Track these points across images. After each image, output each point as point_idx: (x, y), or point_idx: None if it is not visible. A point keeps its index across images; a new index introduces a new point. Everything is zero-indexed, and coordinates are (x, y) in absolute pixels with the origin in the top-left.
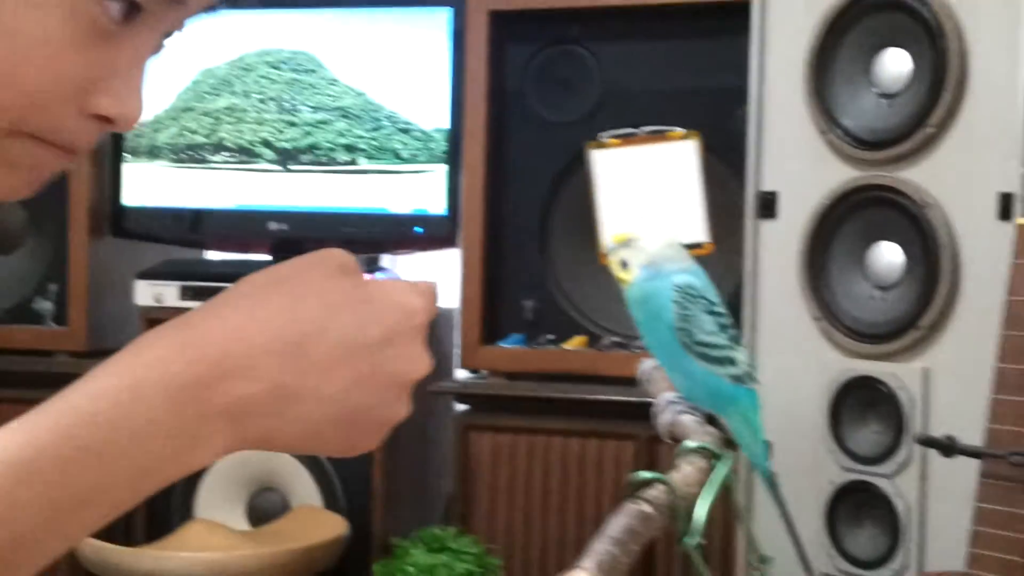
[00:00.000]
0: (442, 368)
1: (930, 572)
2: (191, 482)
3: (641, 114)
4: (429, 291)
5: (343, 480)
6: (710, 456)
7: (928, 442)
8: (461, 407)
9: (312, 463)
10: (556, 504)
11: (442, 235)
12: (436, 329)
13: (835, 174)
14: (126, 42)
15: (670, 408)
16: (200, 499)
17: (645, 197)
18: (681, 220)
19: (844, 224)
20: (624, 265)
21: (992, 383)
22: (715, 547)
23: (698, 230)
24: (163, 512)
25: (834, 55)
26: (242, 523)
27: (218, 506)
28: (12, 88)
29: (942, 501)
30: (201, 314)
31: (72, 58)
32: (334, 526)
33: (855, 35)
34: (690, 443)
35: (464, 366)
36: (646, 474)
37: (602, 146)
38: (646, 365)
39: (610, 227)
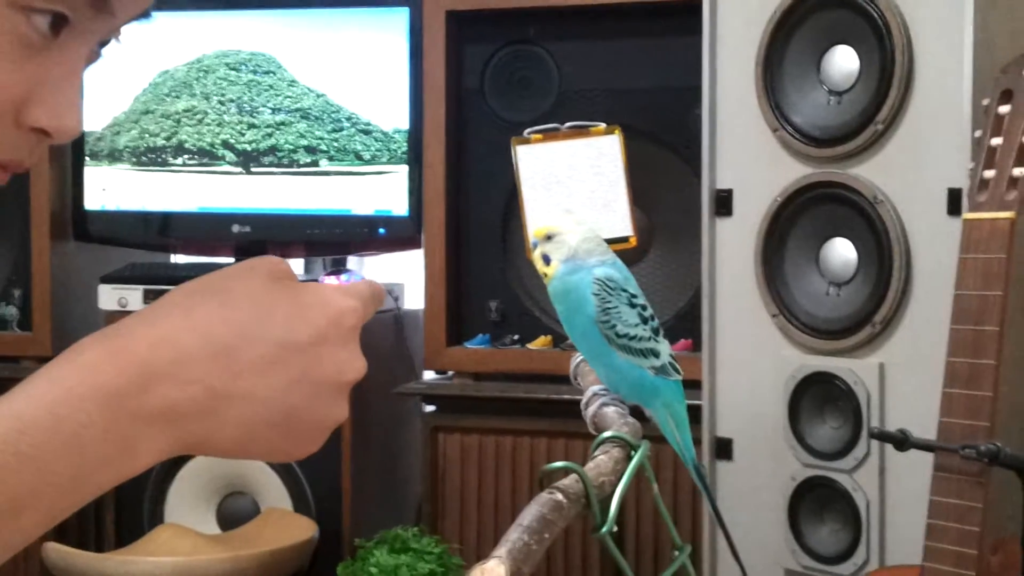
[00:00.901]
0: (409, 369)
1: (888, 567)
2: (161, 487)
3: (599, 113)
4: (363, 293)
5: (312, 483)
6: (627, 446)
7: (882, 436)
8: (429, 408)
9: (281, 466)
10: (524, 503)
11: (405, 236)
12: (403, 330)
13: (788, 171)
14: (57, 54)
15: (595, 400)
16: (170, 504)
17: (569, 192)
18: (606, 214)
19: (798, 221)
20: (546, 260)
21: (943, 377)
22: (632, 534)
23: (623, 224)
24: (134, 518)
25: (783, 53)
26: (213, 527)
27: (188, 511)
28: None
29: (901, 495)
30: (132, 321)
31: (2, 73)
32: (303, 529)
33: (804, 33)
34: (605, 433)
35: (429, 367)
36: (558, 464)
37: (525, 142)
38: (576, 359)
39: (534, 223)
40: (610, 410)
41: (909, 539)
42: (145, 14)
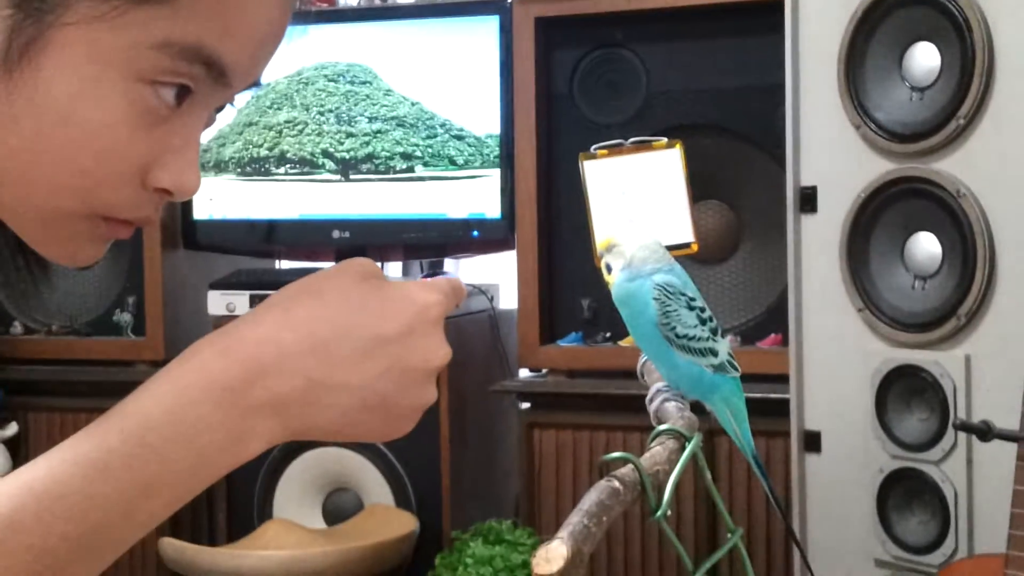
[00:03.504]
0: (504, 368)
1: (975, 555)
2: (270, 484)
3: (687, 113)
4: (444, 287)
5: (413, 479)
6: (681, 438)
7: (965, 428)
8: (524, 405)
9: (383, 464)
10: None
11: (499, 238)
12: (498, 330)
13: (871, 167)
14: (179, 122)
15: (658, 396)
16: (279, 500)
17: (633, 203)
18: (668, 223)
19: (882, 216)
20: (608, 268)
21: None
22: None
23: (685, 231)
24: (244, 513)
25: (865, 50)
26: (319, 522)
27: (296, 506)
28: (77, 171)
29: (989, 485)
30: (239, 323)
31: (131, 141)
32: (405, 523)
33: (885, 30)
34: (660, 427)
35: (524, 365)
36: (615, 455)
37: (592, 157)
38: (643, 359)
39: (600, 233)
40: (670, 405)
41: (997, 529)
42: (256, 84)
